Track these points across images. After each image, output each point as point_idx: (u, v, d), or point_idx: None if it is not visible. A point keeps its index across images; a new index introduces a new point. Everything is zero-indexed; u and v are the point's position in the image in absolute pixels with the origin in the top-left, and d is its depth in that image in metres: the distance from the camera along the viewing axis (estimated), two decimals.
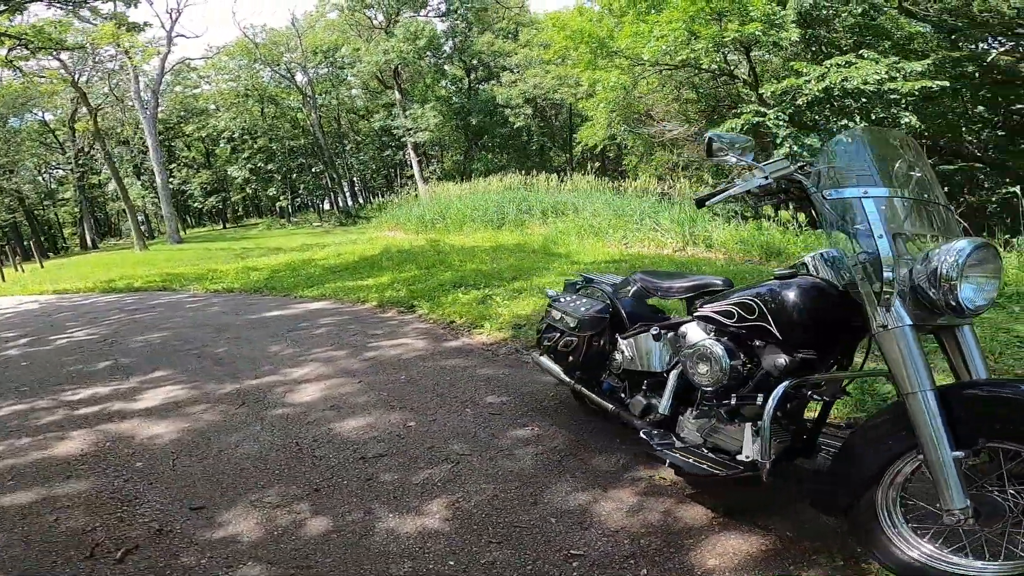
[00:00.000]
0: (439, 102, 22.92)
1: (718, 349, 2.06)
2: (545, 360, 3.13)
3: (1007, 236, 8.88)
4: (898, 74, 8.31)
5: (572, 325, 2.77)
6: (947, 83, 8.80)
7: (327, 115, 31.23)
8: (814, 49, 10.13)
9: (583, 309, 2.80)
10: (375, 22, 23.98)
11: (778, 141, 9.43)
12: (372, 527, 2.19)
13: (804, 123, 9.48)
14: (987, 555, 1.64)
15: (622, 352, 2.65)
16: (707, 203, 2.07)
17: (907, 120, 8.59)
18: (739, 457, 1.97)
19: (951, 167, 12.61)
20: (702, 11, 9.59)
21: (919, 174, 1.80)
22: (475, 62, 25.08)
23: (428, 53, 23.31)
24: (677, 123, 12.33)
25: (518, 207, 12.80)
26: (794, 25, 9.25)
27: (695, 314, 2.28)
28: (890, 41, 9.64)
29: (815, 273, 1.97)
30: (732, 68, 11.05)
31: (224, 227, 39.10)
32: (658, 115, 12.90)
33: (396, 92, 23.69)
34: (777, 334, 1.91)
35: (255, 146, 31.74)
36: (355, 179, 34.99)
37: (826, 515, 1.90)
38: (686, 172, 13.18)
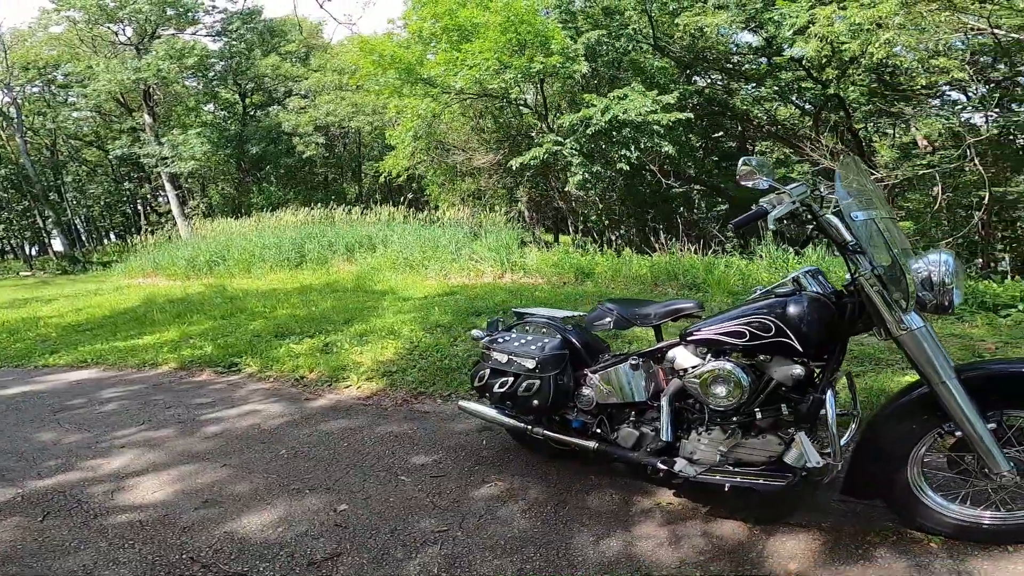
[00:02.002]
0: (207, 128, 20.04)
1: (735, 370, 2.09)
2: (485, 408, 2.88)
3: (726, 245, 10.98)
4: (658, 106, 9.81)
5: (530, 366, 2.56)
6: (691, 115, 10.68)
7: (37, 142, 25.08)
8: (595, 82, 11.47)
9: (535, 347, 2.61)
10: (122, 38, 20.08)
11: (572, 170, 10.35)
12: None
13: (590, 152, 10.59)
14: (1000, 507, 1.96)
15: (593, 387, 2.53)
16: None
17: (667, 149, 10.20)
18: (809, 464, 2.00)
19: (679, 189, 15.28)
20: (510, 42, 10.09)
21: (880, 194, 2.08)
22: (252, 85, 22.57)
23: (192, 74, 20.27)
24: (480, 152, 12.74)
25: (319, 243, 11.82)
26: (583, 59, 10.34)
27: (688, 339, 2.27)
28: (642, 76, 11.36)
29: (807, 289, 2.12)
30: (524, 99, 11.90)
31: None
32: (459, 144, 13.18)
33: (146, 116, 20.05)
34: (799, 347, 2.01)
35: None
36: (80, 217, 28.66)
37: (861, 500, 2.07)
38: (480, 201, 13.69)
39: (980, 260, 13.10)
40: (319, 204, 13.82)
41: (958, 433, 1.88)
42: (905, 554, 1.96)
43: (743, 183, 2.01)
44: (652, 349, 2.48)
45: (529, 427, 2.68)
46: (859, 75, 10.41)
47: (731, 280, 7.43)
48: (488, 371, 2.72)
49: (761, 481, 2.08)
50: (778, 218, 1.95)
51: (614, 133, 10.05)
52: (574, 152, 10.12)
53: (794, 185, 2.01)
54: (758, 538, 2.10)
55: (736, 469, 2.16)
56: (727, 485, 2.12)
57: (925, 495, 2.00)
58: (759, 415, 2.11)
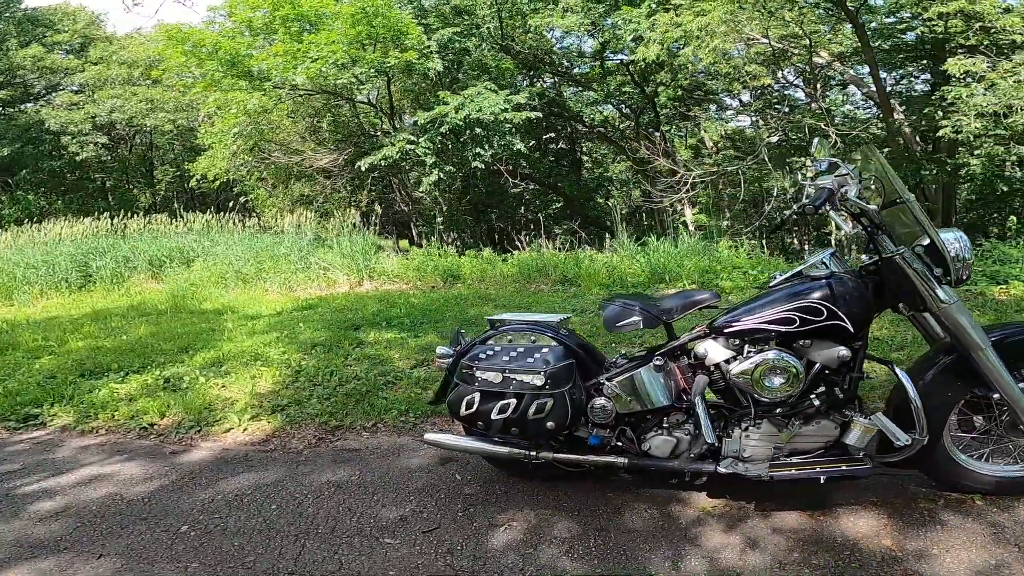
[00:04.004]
0: None
1: (790, 359, 2.03)
2: (463, 440, 2.50)
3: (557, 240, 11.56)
4: (509, 105, 9.87)
5: (538, 383, 2.21)
6: (540, 114, 10.93)
7: None
8: (447, 80, 11.14)
9: (536, 359, 2.26)
10: None
11: (427, 169, 9.94)
12: None
13: (442, 151, 10.28)
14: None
15: (611, 396, 2.28)
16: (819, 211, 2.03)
17: (518, 147, 10.31)
18: (897, 443, 2.01)
19: (515, 190, 15.77)
20: (360, 35, 9.26)
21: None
22: (1, 79, 17.83)
23: None
24: (319, 153, 11.54)
25: (112, 259, 9.76)
26: (437, 56, 9.94)
27: (725, 330, 2.14)
28: (487, 76, 11.36)
29: (836, 271, 2.12)
30: (368, 96, 11.13)
31: None
32: (292, 144, 11.80)
33: None
34: (850, 328, 2.01)
35: None
36: None
37: (907, 470, 2.19)
38: (312, 206, 12.50)
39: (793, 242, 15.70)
40: (104, 214, 11.47)
41: (995, 395, 2.02)
42: (969, 515, 2.10)
43: (816, 161, 1.98)
44: (674, 346, 2.31)
45: (532, 452, 2.34)
46: (677, 81, 11.60)
47: (600, 273, 7.69)
48: (477, 395, 2.29)
49: (843, 468, 2.07)
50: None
51: (467, 131, 9.86)
52: (427, 151, 9.71)
53: (851, 166, 2.01)
54: (829, 523, 2.13)
55: (795, 460, 2.12)
56: (822, 478, 2.06)
57: (959, 458, 2.14)
58: (816, 401, 2.07)
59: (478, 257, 9.02)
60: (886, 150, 13.56)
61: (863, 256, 2.20)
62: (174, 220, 11.10)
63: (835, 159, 2.05)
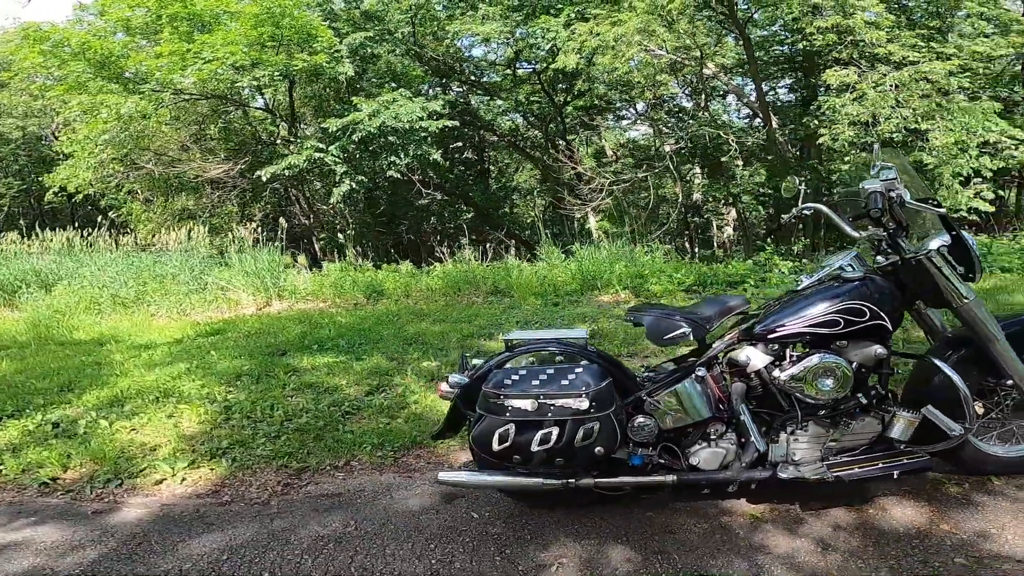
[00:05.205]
0: None
1: (839, 360, 2.10)
2: (488, 476, 2.29)
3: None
4: (425, 113, 9.62)
5: (582, 407, 2.06)
6: (458, 123, 10.78)
7: None
8: (358, 86, 10.60)
9: (568, 382, 2.11)
10: None
11: (337, 179, 9.40)
12: None
13: (355, 159, 9.79)
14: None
15: (655, 412, 2.21)
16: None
17: (434, 156, 10.09)
18: (952, 433, 2.11)
19: (424, 201, 15.54)
20: (262, 36, 8.53)
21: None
22: None
23: None
24: (209, 163, 10.43)
25: None
26: (348, 61, 9.42)
27: (770, 336, 2.14)
28: (396, 82, 11.03)
29: (863, 271, 2.20)
30: (266, 102, 10.35)
31: None
32: (175, 153, 10.58)
33: None
34: (890, 327, 2.10)
35: None
36: None
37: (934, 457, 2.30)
38: (197, 220, 11.33)
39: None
40: None
41: (1008, 382, 2.19)
42: (996, 494, 2.30)
43: (874, 167, 2.06)
44: (711, 355, 2.28)
45: (571, 481, 2.20)
46: (593, 90, 11.96)
47: (532, 283, 7.66)
48: (512, 427, 2.10)
49: (906, 461, 2.15)
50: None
51: (380, 139, 9.47)
52: (337, 160, 9.18)
53: (895, 169, 2.09)
54: (882, 516, 2.23)
55: (847, 459, 2.18)
56: (895, 473, 2.13)
57: (977, 443, 2.31)
58: (863, 400, 2.14)
59: (398, 271, 8.67)
60: (769, 158, 14.85)
61: (879, 257, 2.30)
62: (26, 239, 9.65)
63: (887, 164, 2.13)
